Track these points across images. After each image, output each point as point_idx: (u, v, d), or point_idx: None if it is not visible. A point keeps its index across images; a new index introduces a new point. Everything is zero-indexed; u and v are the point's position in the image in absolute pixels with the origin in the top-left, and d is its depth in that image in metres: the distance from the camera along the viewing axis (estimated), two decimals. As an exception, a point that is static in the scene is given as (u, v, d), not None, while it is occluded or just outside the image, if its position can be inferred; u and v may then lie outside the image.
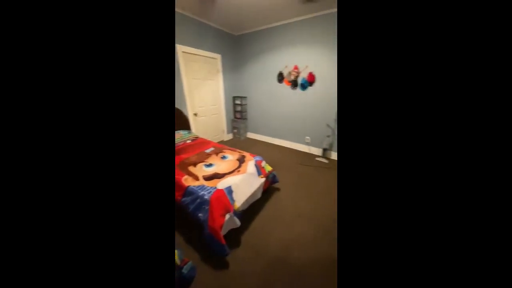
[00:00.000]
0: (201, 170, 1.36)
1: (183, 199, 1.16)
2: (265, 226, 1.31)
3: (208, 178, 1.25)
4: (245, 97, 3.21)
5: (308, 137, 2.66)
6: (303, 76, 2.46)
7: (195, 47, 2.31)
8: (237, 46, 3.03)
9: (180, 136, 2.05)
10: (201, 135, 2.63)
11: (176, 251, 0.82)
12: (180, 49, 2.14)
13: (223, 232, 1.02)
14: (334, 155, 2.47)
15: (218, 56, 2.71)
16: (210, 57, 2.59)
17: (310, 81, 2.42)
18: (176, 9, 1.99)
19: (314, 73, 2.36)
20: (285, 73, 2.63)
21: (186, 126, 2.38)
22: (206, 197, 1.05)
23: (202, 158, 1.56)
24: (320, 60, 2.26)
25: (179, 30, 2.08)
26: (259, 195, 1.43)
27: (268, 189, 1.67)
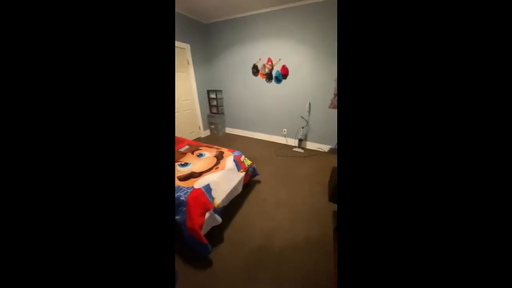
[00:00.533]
0: (176, 170, 1.27)
1: (157, 203, 1.07)
2: (247, 219, 1.33)
3: (184, 178, 1.18)
4: (220, 90, 3.08)
5: (285, 129, 2.76)
6: (277, 69, 2.49)
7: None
8: (207, 35, 2.82)
9: (148, 135, 1.85)
10: (175, 133, 2.43)
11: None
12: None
13: (203, 231, 1.00)
14: (309, 145, 2.63)
15: (186, 46, 2.48)
16: (178, 47, 2.35)
17: (283, 74, 2.46)
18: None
19: (287, 66, 2.40)
20: (259, 66, 2.61)
21: (155, 124, 2.16)
22: (182, 198, 0.99)
23: (177, 158, 1.45)
24: (292, 53, 2.30)
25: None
26: (239, 190, 1.43)
27: (249, 183, 1.69)
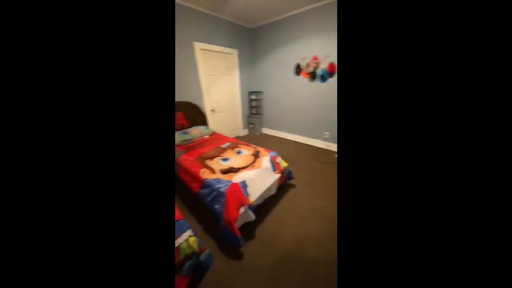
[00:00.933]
0: (217, 163, 1.41)
1: (201, 191, 1.22)
2: (279, 221, 1.30)
3: (224, 171, 1.28)
4: (260, 91, 3.17)
5: (327, 133, 2.51)
6: (322, 67, 2.29)
7: (212, 43, 2.35)
8: (253, 39, 2.97)
9: (198, 131, 2.14)
10: (218, 130, 2.71)
11: (195, 238, 0.87)
12: (198, 47, 2.20)
13: (237, 225, 1.05)
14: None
15: (234, 51, 2.70)
16: (226, 53, 2.61)
17: (330, 71, 2.24)
18: (189, 5, 2.03)
19: (335, 63, 2.17)
20: (302, 65, 2.49)
21: (203, 122, 2.48)
22: (222, 189, 1.08)
23: (219, 152, 1.61)
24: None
25: (195, 27, 2.13)
26: (274, 191, 1.41)
27: (283, 185, 1.64)
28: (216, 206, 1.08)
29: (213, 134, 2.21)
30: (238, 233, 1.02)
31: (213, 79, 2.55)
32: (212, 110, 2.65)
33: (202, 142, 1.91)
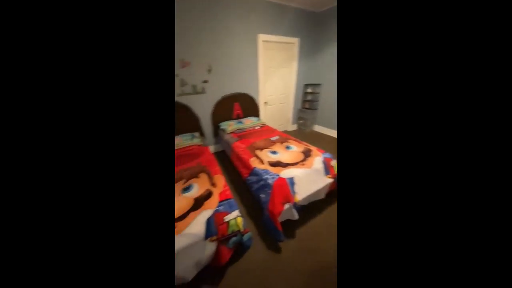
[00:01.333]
0: (266, 155, 1.44)
1: (249, 177, 1.31)
2: (322, 229, 1.19)
3: (273, 164, 1.29)
4: (318, 84, 2.86)
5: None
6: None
7: (274, 34, 2.31)
8: (318, 25, 2.65)
9: (251, 122, 2.27)
10: (268, 123, 2.75)
11: (242, 219, 0.95)
12: (261, 38, 2.23)
13: (280, 219, 1.05)
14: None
15: (295, 41, 2.55)
16: (287, 43, 2.50)
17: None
18: (262, -3, 2.03)
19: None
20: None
21: (256, 113, 2.59)
22: (269, 181, 1.10)
23: (268, 144, 1.63)
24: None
25: (260, 19, 2.14)
26: (322, 196, 1.29)
27: (334, 192, 1.46)
28: (262, 195, 1.12)
29: (263, 126, 2.26)
30: (280, 227, 1.02)
31: (270, 71, 2.55)
32: (265, 103, 2.70)
33: (253, 133, 2.01)
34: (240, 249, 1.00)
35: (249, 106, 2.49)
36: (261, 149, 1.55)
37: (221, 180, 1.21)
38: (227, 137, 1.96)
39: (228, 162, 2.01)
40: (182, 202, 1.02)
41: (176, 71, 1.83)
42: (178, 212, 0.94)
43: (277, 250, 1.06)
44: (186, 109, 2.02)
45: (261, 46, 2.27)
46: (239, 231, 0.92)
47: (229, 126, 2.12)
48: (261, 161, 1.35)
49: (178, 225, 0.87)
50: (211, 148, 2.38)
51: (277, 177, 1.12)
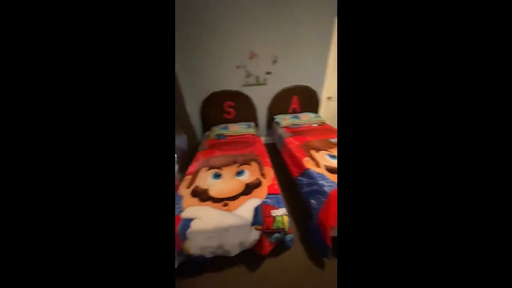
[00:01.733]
0: (323, 158, 1.28)
1: (299, 177, 1.22)
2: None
3: (330, 170, 1.13)
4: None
5: None
6: None
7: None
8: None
9: (308, 118, 2.09)
10: (328, 121, 2.43)
11: (287, 217, 0.92)
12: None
13: (332, 234, 0.92)
14: None
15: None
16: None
17: None
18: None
19: None
20: None
21: (315, 109, 2.34)
22: (325, 188, 0.97)
23: (326, 146, 1.44)
24: None
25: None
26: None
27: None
28: (313, 201, 1.02)
29: (322, 124, 2.02)
30: (330, 242, 0.89)
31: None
32: (329, 98, 2.37)
33: (309, 130, 1.84)
34: (281, 247, 0.98)
35: (308, 101, 2.28)
36: (318, 150, 1.40)
37: (270, 173, 1.20)
38: (280, 131, 1.92)
39: (278, 156, 2.00)
40: (235, 183, 1.11)
41: (244, 63, 1.95)
42: (231, 192, 1.04)
43: (320, 264, 0.95)
44: (247, 99, 2.14)
45: (335, 32, 1.93)
46: (283, 229, 0.90)
47: (284, 120, 2.05)
48: (317, 164, 1.21)
49: (230, 204, 0.96)
50: (263, 139, 2.44)
51: (336, 185, 0.97)
